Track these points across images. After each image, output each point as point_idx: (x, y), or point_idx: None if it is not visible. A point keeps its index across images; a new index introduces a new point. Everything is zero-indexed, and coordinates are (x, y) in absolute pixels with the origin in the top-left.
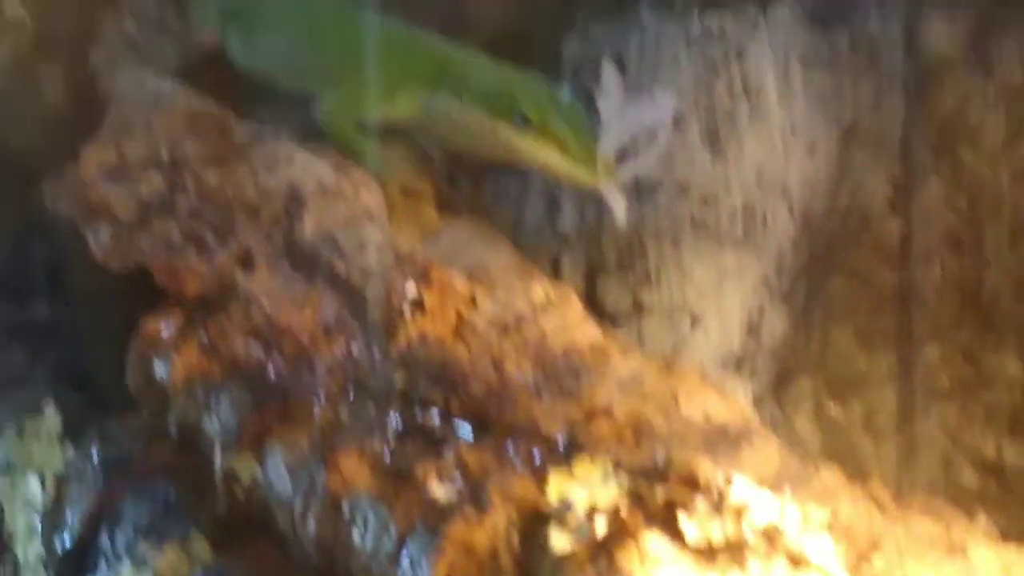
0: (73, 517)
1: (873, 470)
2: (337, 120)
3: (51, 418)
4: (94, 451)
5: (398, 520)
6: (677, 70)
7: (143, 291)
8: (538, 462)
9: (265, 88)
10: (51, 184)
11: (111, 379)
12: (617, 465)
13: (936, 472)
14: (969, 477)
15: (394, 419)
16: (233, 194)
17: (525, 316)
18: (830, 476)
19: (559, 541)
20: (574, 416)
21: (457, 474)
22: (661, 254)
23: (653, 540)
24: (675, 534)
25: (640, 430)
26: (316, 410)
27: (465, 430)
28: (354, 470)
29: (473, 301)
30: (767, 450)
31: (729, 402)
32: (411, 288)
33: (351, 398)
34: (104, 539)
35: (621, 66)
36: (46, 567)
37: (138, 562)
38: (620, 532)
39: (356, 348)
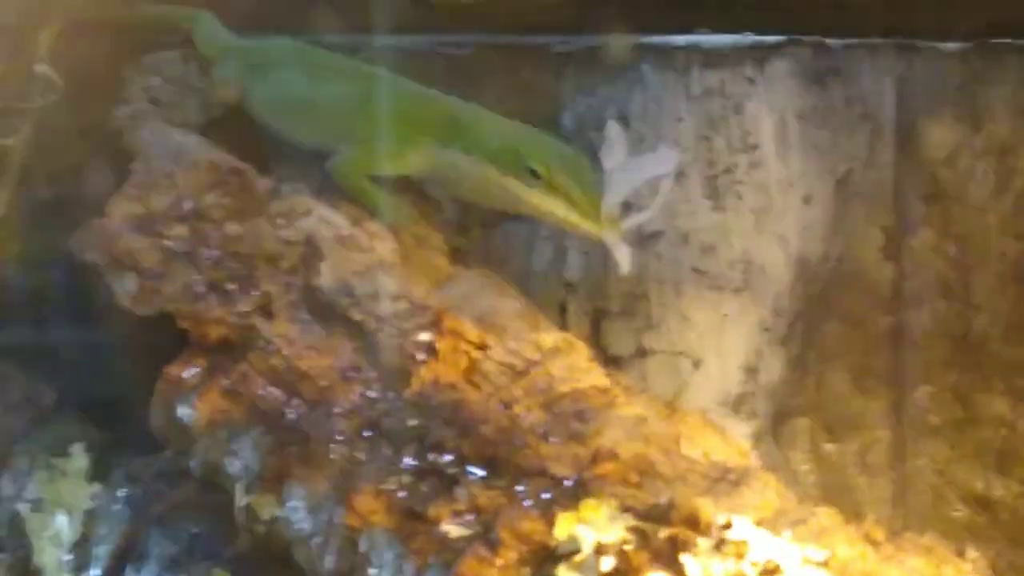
0: (100, 553)
1: (867, 506)
2: (352, 174)
3: (79, 457)
4: (120, 490)
5: (413, 557)
6: (678, 125)
7: (168, 334)
8: (547, 502)
9: (284, 143)
10: (79, 234)
11: (137, 421)
12: (622, 506)
13: (928, 507)
14: (959, 511)
15: (409, 460)
16: (254, 245)
17: (534, 361)
18: (827, 515)
19: None
20: (581, 458)
21: (469, 513)
22: (663, 300)
23: None
24: (678, 572)
25: (644, 471)
26: (334, 451)
27: (477, 471)
28: (371, 509)
29: (484, 347)
30: (766, 490)
31: (729, 443)
32: (424, 335)
33: (367, 440)
34: (130, 574)
35: (625, 121)
36: None
37: None
38: (626, 570)
39: (372, 392)
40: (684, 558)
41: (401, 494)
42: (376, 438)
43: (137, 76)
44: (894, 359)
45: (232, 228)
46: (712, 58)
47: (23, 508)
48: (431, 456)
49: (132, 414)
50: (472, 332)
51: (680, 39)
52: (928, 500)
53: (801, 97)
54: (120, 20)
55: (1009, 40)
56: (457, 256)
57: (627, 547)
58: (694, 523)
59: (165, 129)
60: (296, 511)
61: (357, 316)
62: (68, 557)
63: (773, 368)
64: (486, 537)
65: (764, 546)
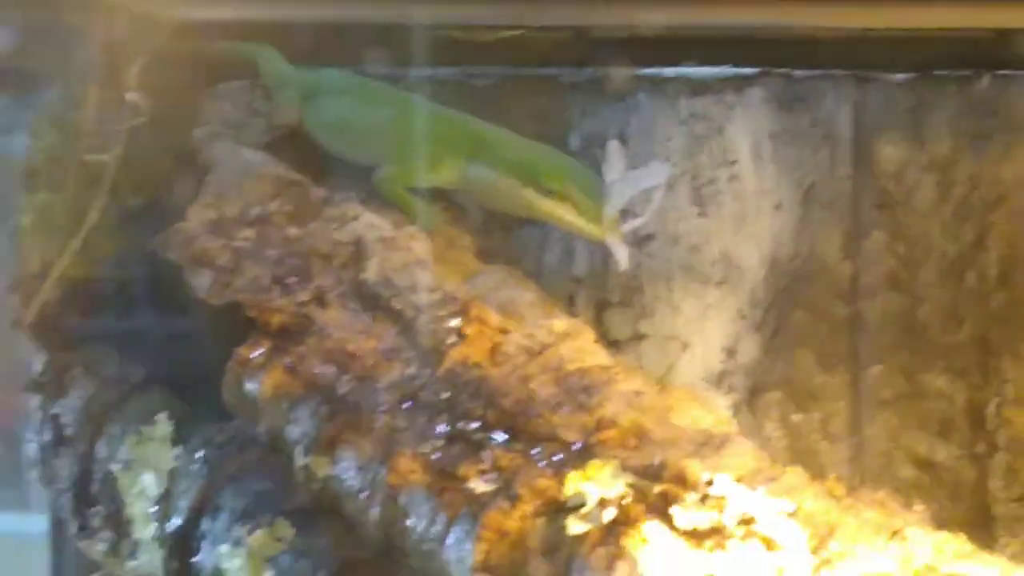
0: (181, 506)
1: (829, 467)
2: (393, 186)
3: (163, 425)
4: (198, 452)
5: (445, 509)
6: (668, 144)
7: (237, 321)
8: (558, 463)
9: (336, 159)
10: (163, 237)
11: (211, 394)
12: (622, 466)
13: (880, 468)
14: (907, 472)
15: (441, 427)
16: (310, 245)
17: (547, 344)
18: (795, 475)
19: (575, 526)
20: (587, 425)
21: (493, 472)
22: (656, 292)
23: (651, 526)
24: (669, 522)
25: (640, 437)
26: (378, 420)
27: (499, 437)
28: (409, 468)
29: (505, 331)
30: (743, 453)
31: (712, 413)
32: (454, 321)
33: (406, 410)
34: (207, 524)
35: (623, 141)
36: (160, 546)
37: (234, 542)
38: (624, 519)
39: (410, 370)
40: (674, 510)
41: (435, 456)
42: (414, 409)
43: (212, 103)
44: (851, 342)
45: (292, 231)
46: (698, 87)
47: (116, 468)
48: (460, 424)
49: (207, 388)
50: (495, 319)
51: (670, 71)
52: (881, 462)
53: (773, 120)
54: (198, 54)
55: (948, 72)
56: (482, 255)
57: (626, 501)
58: (682, 480)
59: (235, 147)
60: (346, 471)
61: (398, 306)
62: (153, 509)
63: (749, 350)
64: (507, 492)
65: (742, 500)
